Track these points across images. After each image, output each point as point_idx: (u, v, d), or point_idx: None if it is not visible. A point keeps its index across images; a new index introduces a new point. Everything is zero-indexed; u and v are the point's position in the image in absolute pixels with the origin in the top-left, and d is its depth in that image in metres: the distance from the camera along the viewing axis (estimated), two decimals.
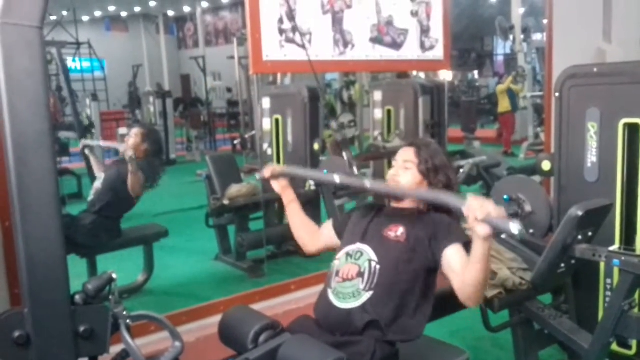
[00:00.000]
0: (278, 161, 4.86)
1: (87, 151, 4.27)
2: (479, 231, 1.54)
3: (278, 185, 2.24)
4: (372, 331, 1.79)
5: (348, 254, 1.92)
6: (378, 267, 1.83)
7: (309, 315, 1.98)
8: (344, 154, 4.11)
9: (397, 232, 1.88)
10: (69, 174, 7.19)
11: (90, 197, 3.86)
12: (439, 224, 1.87)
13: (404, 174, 1.96)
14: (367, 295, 1.80)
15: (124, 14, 20.77)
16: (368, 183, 1.99)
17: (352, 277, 1.85)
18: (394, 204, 2.01)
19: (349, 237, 2.00)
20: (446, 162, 2.01)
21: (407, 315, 1.82)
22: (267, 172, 2.22)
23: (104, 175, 3.90)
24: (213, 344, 2.05)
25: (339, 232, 2.11)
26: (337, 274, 1.90)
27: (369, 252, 1.88)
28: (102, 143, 4.48)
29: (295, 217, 2.26)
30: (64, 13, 14.10)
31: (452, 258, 1.80)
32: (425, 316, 1.87)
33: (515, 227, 1.42)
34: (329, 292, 1.90)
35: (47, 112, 1.32)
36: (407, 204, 1.98)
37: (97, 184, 3.87)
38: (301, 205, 2.28)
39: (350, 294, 1.83)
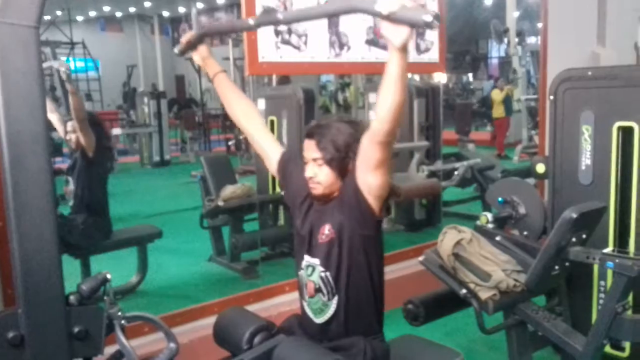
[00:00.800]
0: None
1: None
2: (395, 37, 1.40)
3: (198, 56, 2.03)
4: (355, 329, 1.81)
5: (305, 267, 1.89)
6: (328, 274, 1.81)
7: (299, 314, 1.99)
8: None
9: (325, 231, 1.81)
10: (62, 175, 7.16)
11: (72, 203, 3.86)
12: (347, 191, 1.77)
13: (319, 171, 1.81)
14: (333, 303, 1.81)
15: (118, 14, 20.71)
16: (281, 15, 1.77)
17: (313, 294, 1.85)
18: (322, 202, 1.88)
19: (298, 240, 1.92)
20: (351, 133, 1.78)
21: (376, 292, 1.83)
22: (183, 39, 1.99)
23: (71, 178, 3.88)
24: (207, 345, 2.04)
25: (280, 171, 1.99)
26: (306, 286, 1.89)
27: (316, 264, 1.84)
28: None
29: (226, 89, 2.05)
30: (59, 13, 14.07)
31: (360, 154, 1.69)
32: (381, 276, 1.85)
33: (428, 15, 1.30)
34: (305, 304, 1.91)
35: (42, 112, 1.32)
36: (332, 194, 1.84)
37: (70, 188, 3.87)
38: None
39: (319, 309, 1.85)
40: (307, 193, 1.90)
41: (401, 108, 1.54)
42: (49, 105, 4.05)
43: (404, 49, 1.44)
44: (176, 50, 2.04)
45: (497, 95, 10.95)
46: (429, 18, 1.30)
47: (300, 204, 1.93)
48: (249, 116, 2.04)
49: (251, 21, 1.88)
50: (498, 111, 10.93)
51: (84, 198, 3.78)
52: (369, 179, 1.69)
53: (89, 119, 3.77)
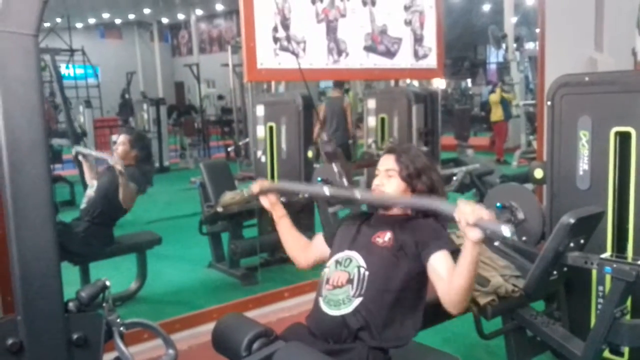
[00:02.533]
0: (272, 168, 4.86)
1: (80, 158, 4.26)
2: (471, 235, 1.55)
3: (267, 202, 2.25)
4: (364, 337, 1.79)
5: (337, 262, 1.93)
6: (367, 273, 1.84)
7: (301, 323, 1.99)
8: (333, 165, 4.09)
9: (385, 237, 1.90)
10: (62, 181, 7.17)
11: (83, 205, 3.85)
12: (426, 229, 1.88)
13: (388, 182, 1.97)
14: (357, 302, 1.81)
15: (118, 21, 20.78)
16: (358, 194, 1.97)
17: (342, 284, 1.86)
18: (382, 212, 2.02)
19: (338, 245, 2.01)
20: (428, 163, 2.01)
21: (398, 321, 1.83)
22: (255, 187, 2.23)
23: (96, 182, 3.88)
24: (206, 351, 2.04)
25: (330, 242, 2.12)
26: (327, 281, 1.91)
27: (357, 258, 1.88)
28: (94, 153, 4.44)
29: (287, 234, 2.26)
30: (58, 20, 14.09)
31: (438, 264, 1.81)
32: (416, 322, 1.87)
33: (506, 230, 1.43)
34: (320, 300, 1.91)
35: (42, 120, 1.32)
36: (395, 211, 1.99)
37: (90, 192, 3.86)
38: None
39: (340, 301, 1.84)
40: (359, 221, 2.04)
41: (470, 289, 1.71)
42: (91, 174, 4.02)
43: (477, 245, 1.59)
44: (246, 193, 2.34)
45: (493, 97, 10.98)
46: (507, 233, 1.44)
47: (347, 227, 2.06)
48: (304, 251, 2.24)
49: (327, 191, 2.10)
50: (497, 114, 10.94)
51: (98, 210, 3.75)
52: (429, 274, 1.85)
53: (138, 139, 3.91)
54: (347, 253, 1.92)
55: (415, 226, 1.90)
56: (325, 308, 1.87)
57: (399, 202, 1.98)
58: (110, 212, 3.80)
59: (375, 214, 2.04)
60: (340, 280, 1.87)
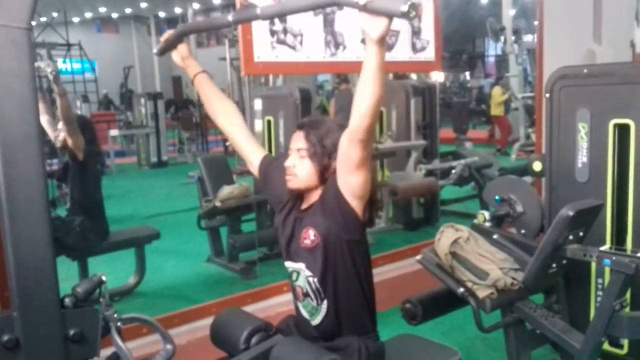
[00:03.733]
0: None
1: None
2: (372, 29, 1.38)
3: (178, 56, 1.98)
4: (349, 329, 1.81)
5: (291, 273, 1.88)
6: (315, 279, 1.79)
7: (295, 315, 1.99)
8: None
9: (310, 236, 1.78)
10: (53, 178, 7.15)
11: (68, 205, 3.86)
12: (330, 187, 1.75)
13: (300, 163, 1.78)
14: (324, 307, 1.81)
15: (114, 15, 20.71)
16: (258, 10, 1.71)
17: (303, 298, 1.86)
18: (303, 204, 1.86)
19: (282, 246, 1.89)
20: (339, 137, 1.69)
21: (365, 295, 1.81)
22: (162, 39, 1.96)
23: (62, 183, 3.91)
24: (205, 346, 2.04)
25: (261, 174, 1.96)
26: (294, 291, 1.90)
27: (301, 269, 1.82)
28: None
29: (206, 90, 2.01)
30: (54, 14, 14.04)
31: (340, 154, 1.65)
32: (370, 277, 1.84)
33: (404, 5, 1.29)
34: (300, 305, 1.90)
35: (35, 115, 1.31)
36: (313, 197, 1.82)
37: (63, 190, 3.89)
38: (198, 64, 2.07)
39: (311, 311, 1.86)
40: (287, 198, 1.88)
41: (380, 103, 1.51)
42: (40, 106, 4.03)
43: (381, 42, 1.41)
44: (155, 50, 2.01)
45: (498, 95, 11.00)
46: (404, 8, 1.28)
47: (280, 209, 1.90)
48: (228, 116, 2.01)
49: (230, 17, 1.83)
50: (498, 110, 11.00)
51: (79, 200, 3.78)
52: (350, 179, 1.66)
53: (80, 122, 3.76)
54: (292, 265, 1.86)
55: (325, 200, 1.76)
56: (305, 314, 1.89)
57: (302, 4, 1.69)
58: (92, 199, 3.82)
59: (292, 211, 1.88)
60: (300, 294, 1.86)
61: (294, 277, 1.86)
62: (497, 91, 11.16)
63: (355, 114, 1.54)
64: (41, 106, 3.97)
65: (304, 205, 1.85)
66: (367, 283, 1.83)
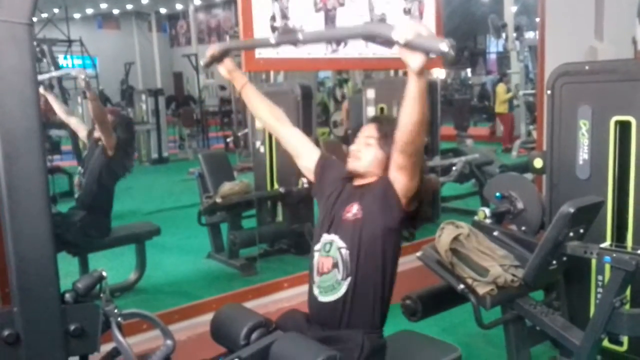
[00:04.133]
0: (271, 159, 4.84)
1: (42, 90, 4.11)
2: (411, 61, 1.45)
3: (224, 69, 2.08)
4: (359, 317, 1.82)
5: (322, 247, 1.93)
6: (347, 252, 1.84)
7: (297, 309, 2.00)
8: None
9: (353, 210, 1.88)
10: (61, 172, 7.16)
11: (77, 194, 3.87)
12: (384, 180, 1.85)
13: (366, 150, 1.93)
14: (346, 283, 1.83)
15: (115, 11, 20.67)
16: (300, 35, 1.80)
17: (329, 269, 1.87)
18: (356, 182, 1.97)
19: (319, 226, 1.97)
20: None
21: (386, 285, 1.86)
22: (208, 53, 2.04)
23: (82, 170, 3.91)
24: (205, 342, 2.04)
25: (316, 171, 2.06)
26: (316, 269, 1.92)
27: (336, 240, 1.88)
28: (55, 73, 4.47)
29: (254, 100, 2.11)
30: (56, 10, 14.01)
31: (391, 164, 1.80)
32: (394, 276, 1.89)
33: (444, 45, 1.34)
34: (314, 287, 1.92)
35: (36, 110, 1.31)
36: (363, 180, 1.95)
37: (80, 179, 3.89)
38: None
39: (330, 287, 1.86)
40: (340, 185, 1.98)
41: (422, 125, 1.63)
42: (64, 108, 4.11)
43: (421, 72, 1.50)
44: (202, 62, 2.11)
45: (502, 92, 11.01)
46: (445, 48, 1.34)
47: (330, 193, 1.99)
48: (279, 119, 2.12)
49: (272, 40, 1.96)
50: (502, 107, 11.03)
51: (89, 194, 3.78)
52: (396, 177, 1.80)
53: (122, 121, 3.92)
54: (327, 237, 1.92)
55: (376, 187, 1.88)
56: (319, 295, 1.89)
57: (339, 33, 1.92)
58: (103, 195, 3.81)
59: (347, 185, 1.99)
60: (326, 266, 1.88)
61: (327, 248, 1.89)
62: (501, 88, 11.17)
63: (398, 129, 1.67)
64: (65, 107, 4.08)
65: (356, 184, 1.96)
66: (389, 278, 1.87)
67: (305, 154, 2.10)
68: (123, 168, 3.91)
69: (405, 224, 1.88)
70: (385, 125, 1.92)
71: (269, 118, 2.12)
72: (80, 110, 9.43)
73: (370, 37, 1.65)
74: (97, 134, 3.78)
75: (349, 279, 1.83)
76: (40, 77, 4.36)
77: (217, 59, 2.04)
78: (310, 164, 2.08)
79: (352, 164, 1.95)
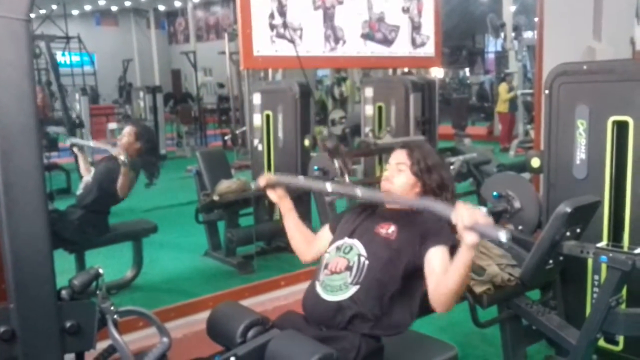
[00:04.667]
0: (268, 157, 4.84)
1: (75, 150, 4.23)
2: (467, 239, 1.53)
3: (275, 195, 2.19)
4: (358, 325, 1.80)
5: (338, 248, 1.94)
6: (367, 262, 1.84)
7: (294, 311, 1.99)
8: (335, 161, 4.06)
9: (389, 230, 1.90)
10: (58, 169, 7.14)
11: (79, 191, 3.85)
12: (429, 224, 1.87)
13: (398, 176, 1.96)
14: (354, 289, 1.82)
15: (114, 8, 20.63)
16: (359, 191, 1.94)
17: (341, 270, 1.86)
18: (388, 206, 2.01)
19: (340, 232, 2.01)
20: (439, 161, 2.01)
21: (393, 312, 1.83)
22: (262, 181, 2.18)
23: (93, 169, 3.88)
24: (201, 339, 2.04)
25: (334, 231, 2.11)
26: (326, 266, 1.91)
27: (358, 247, 1.89)
28: (93, 143, 4.44)
29: (293, 228, 2.22)
30: (54, 7, 13.98)
31: (434, 258, 1.80)
32: (411, 314, 1.88)
33: (503, 235, 1.43)
34: (317, 284, 1.91)
35: (33, 106, 1.31)
36: (401, 205, 1.98)
37: (87, 178, 3.86)
38: (272, 202, 2.27)
39: (337, 287, 1.85)
40: (359, 210, 2.05)
41: (457, 295, 1.70)
42: (85, 165, 4.06)
43: (472, 248, 1.57)
44: (253, 186, 2.27)
45: (504, 91, 11.02)
46: (504, 238, 1.44)
47: (354, 219, 2.04)
48: (309, 245, 2.19)
49: (329, 188, 2.08)
50: (503, 106, 11.05)
51: (93, 197, 3.74)
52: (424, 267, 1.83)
53: (149, 142, 3.89)
54: (349, 241, 1.93)
55: (420, 220, 1.90)
56: (321, 293, 1.88)
57: (399, 201, 1.96)
58: (106, 200, 3.79)
59: (380, 207, 2.03)
60: (339, 266, 1.87)
61: (346, 250, 1.90)
62: (503, 88, 11.18)
63: (436, 290, 1.73)
64: (87, 165, 4.04)
65: (389, 207, 1.99)
66: (407, 309, 1.87)
67: (325, 241, 2.12)
68: (133, 180, 3.87)
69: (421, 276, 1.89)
70: (416, 152, 1.97)
71: (300, 247, 2.21)
72: (77, 107, 9.42)
73: (429, 212, 1.76)
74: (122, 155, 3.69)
75: (357, 286, 1.82)
76: (76, 141, 4.47)
77: (271, 186, 2.18)
78: (330, 237, 2.11)
79: (386, 186, 1.98)
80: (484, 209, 1.54)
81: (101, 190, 3.74)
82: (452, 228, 1.68)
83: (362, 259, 1.86)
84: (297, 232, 2.22)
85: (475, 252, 1.62)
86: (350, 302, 1.81)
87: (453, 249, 1.75)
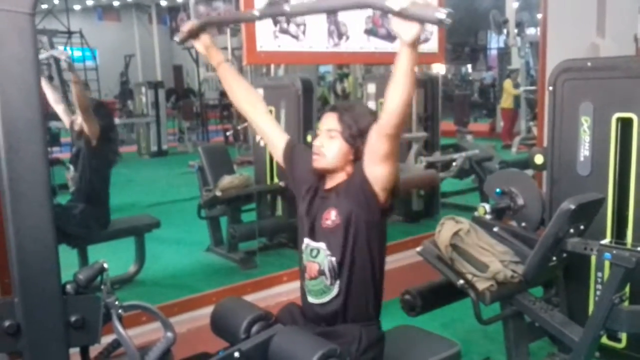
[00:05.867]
0: (271, 154, 4.83)
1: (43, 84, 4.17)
2: (405, 32, 1.41)
3: (201, 45, 2.03)
4: (354, 314, 1.83)
5: (307, 251, 1.91)
6: (333, 259, 1.83)
7: (295, 303, 2.00)
8: None
9: (331, 217, 1.84)
10: (60, 164, 7.15)
11: (72, 189, 3.86)
12: (357, 172, 1.80)
13: (329, 143, 1.84)
14: (335, 287, 1.83)
15: (116, 3, 20.59)
16: (287, 7, 1.71)
17: (316, 275, 1.87)
18: (327, 184, 1.91)
19: (301, 220, 1.94)
20: (370, 121, 1.79)
21: (376, 278, 1.85)
22: (185, 27, 2.00)
23: (72, 166, 3.90)
24: (204, 334, 2.05)
25: (286, 157, 2.01)
26: (305, 270, 1.91)
27: (322, 247, 1.86)
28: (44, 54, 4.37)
29: (230, 79, 2.06)
30: (56, 1, 13.97)
31: (368, 145, 1.72)
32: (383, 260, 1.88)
33: (441, 13, 1.30)
34: (305, 287, 1.93)
35: (38, 100, 1.30)
36: (333, 182, 1.89)
37: (72, 174, 3.88)
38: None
39: (320, 290, 1.86)
40: (313, 180, 1.93)
41: (409, 102, 1.58)
42: (55, 95, 4.08)
43: (414, 45, 1.46)
44: (177, 38, 2.04)
45: (510, 88, 11.00)
46: (442, 15, 1.29)
47: (305, 191, 1.95)
48: (252, 104, 2.06)
49: (256, 12, 1.88)
50: (507, 101, 11.02)
51: (85, 186, 3.78)
52: (376, 170, 1.73)
53: (98, 108, 3.80)
54: (312, 243, 1.89)
55: (350, 183, 1.83)
56: (309, 297, 1.90)
57: (330, 5, 1.77)
58: (98, 185, 3.81)
59: (318, 192, 1.93)
60: (313, 271, 1.87)
61: (313, 254, 1.88)
62: (509, 84, 11.16)
63: (384, 111, 1.61)
64: (56, 95, 4.01)
65: (328, 186, 1.90)
66: (379, 269, 1.87)
67: (275, 141, 2.03)
68: (113, 154, 3.89)
69: (384, 216, 1.85)
70: (347, 116, 1.84)
71: (243, 101, 2.06)
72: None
73: (364, 7, 1.57)
74: (78, 122, 3.73)
75: (337, 281, 1.82)
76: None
77: (194, 34, 1.98)
78: (279, 151, 2.02)
79: (318, 163, 1.87)
80: None
81: (90, 173, 3.76)
82: None
83: (329, 257, 1.84)
84: (235, 84, 2.05)
85: (417, 52, 1.48)
86: (337, 298, 1.83)
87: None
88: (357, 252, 1.81)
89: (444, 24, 1.31)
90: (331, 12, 1.76)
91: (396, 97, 1.57)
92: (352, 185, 1.81)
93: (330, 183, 1.90)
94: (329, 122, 1.86)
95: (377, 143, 1.68)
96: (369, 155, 1.73)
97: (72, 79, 3.59)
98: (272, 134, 2.05)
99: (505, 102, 11.15)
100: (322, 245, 1.86)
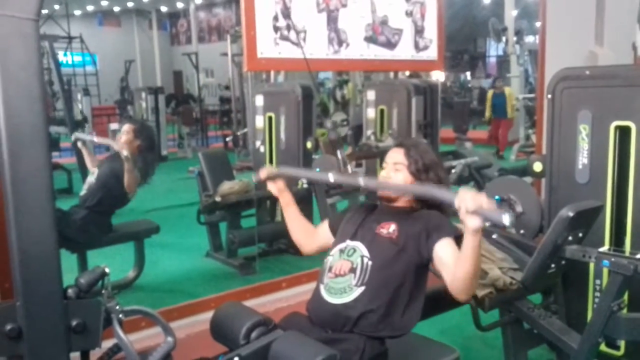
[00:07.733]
0: (270, 159, 4.85)
1: (79, 144, 4.25)
2: (470, 223, 1.55)
3: (275, 187, 2.22)
4: (363, 326, 1.80)
5: (341, 250, 1.94)
6: (370, 263, 1.85)
7: (299, 312, 2.00)
8: (338, 152, 4.11)
9: (389, 229, 1.90)
10: (60, 169, 7.16)
11: (83, 192, 3.84)
12: (430, 220, 1.89)
13: (395, 175, 1.98)
14: (358, 291, 1.82)
15: (116, 9, 20.67)
16: (362, 180, 1.98)
17: (345, 272, 1.87)
18: (387, 203, 2.02)
19: (342, 234, 2.02)
20: (436, 160, 2.02)
21: (398, 312, 1.84)
22: (263, 173, 2.21)
23: (97, 170, 3.88)
24: (204, 340, 2.05)
25: (334, 231, 2.12)
26: (330, 269, 1.92)
27: (361, 248, 1.89)
28: (96, 139, 4.49)
29: (293, 220, 2.26)
30: (56, 7, 14.02)
31: (443, 252, 1.81)
32: (416, 313, 1.88)
33: (506, 218, 1.44)
34: (321, 287, 1.92)
35: (42, 105, 1.32)
36: (400, 203, 1.99)
37: (91, 179, 3.86)
38: (274, 204, 2.30)
39: (341, 289, 1.85)
40: (363, 211, 2.06)
41: (475, 276, 1.70)
42: (90, 158, 4.13)
43: (477, 233, 1.59)
44: (254, 178, 2.34)
45: (513, 96, 10.96)
46: (507, 222, 1.45)
47: (349, 218, 2.08)
48: (309, 238, 2.24)
49: (331, 178, 2.09)
50: (511, 110, 10.96)
51: (99, 196, 3.74)
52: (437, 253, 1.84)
53: (147, 139, 3.90)
54: (351, 243, 1.93)
55: (419, 217, 1.91)
56: (326, 296, 1.88)
57: (401, 189, 1.99)
58: (111, 201, 3.80)
59: (380, 206, 2.05)
60: (343, 269, 1.88)
61: (350, 252, 1.91)
62: (511, 92, 11.11)
63: (453, 281, 1.74)
64: (92, 158, 4.11)
65: (392, 204, 2.02)
66: (412, 309, 1.88)
67: (327, 237, 2.15)
68: (145, 175, 3.89)
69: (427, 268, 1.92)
70: (413, 151, 1.98)
71: (300, 239, 2.26)
72: (80, 106, 9.44)
73: (432, 198, 1.79)
74: (116, 148, 3.77)
75: (362, 287, 1.83)
76: (80, 136, 4.53)
77: (271, 178, 2.21)
78: (330, 236, 2.14)
79: (384, 192, 2.01)
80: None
81: (106, 191, 3.75)
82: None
83: (366, 259, 1.86)
84: (297, 224, 2.25)
85: (480, 237, 1.63)
86: (355, 303, 1.81)
87: (458, 240, 1.77)
88: (393, 275, 1.84)
89: (507, 228, 1.49)
90: (401, 194, 2.00)
91: (462, 274, 1.69)
92: (418, 222, 1.89)
93: (390, 204, 2.01)
94: (396, 157, 2.00)
95: (440, 269, 1.84)
96: (438, 261, 1.84)
97: (126, 168, 3.63)
98: (324, 240, 2.16)
99: (509, 110, 10.90)
100: (361, 245, 1.90)
